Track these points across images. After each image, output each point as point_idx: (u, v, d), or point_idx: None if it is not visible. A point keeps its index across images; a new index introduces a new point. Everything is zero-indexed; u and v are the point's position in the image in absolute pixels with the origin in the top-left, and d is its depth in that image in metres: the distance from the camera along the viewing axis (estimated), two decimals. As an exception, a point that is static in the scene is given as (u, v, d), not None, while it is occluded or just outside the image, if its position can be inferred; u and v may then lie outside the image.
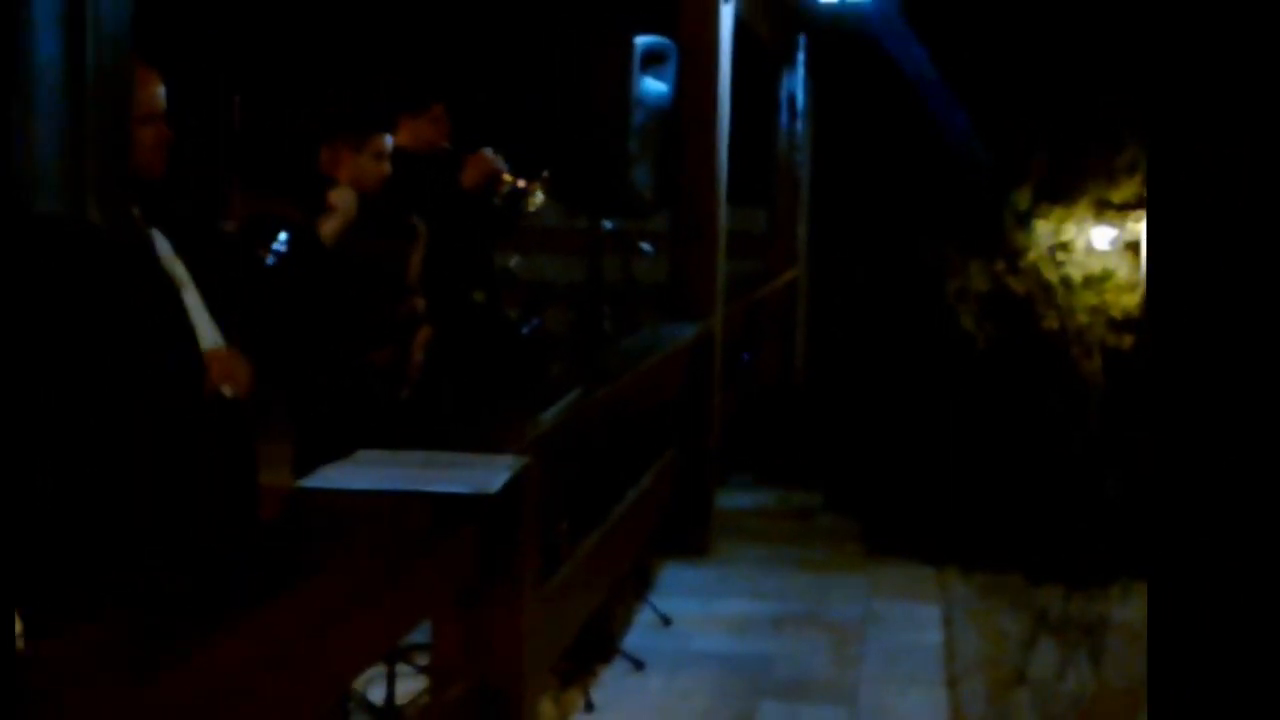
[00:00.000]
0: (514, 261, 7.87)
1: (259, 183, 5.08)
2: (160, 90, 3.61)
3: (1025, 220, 10.38)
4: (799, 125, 12.49)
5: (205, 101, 4.38)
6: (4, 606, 1.55)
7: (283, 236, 4.72)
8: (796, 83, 12.35)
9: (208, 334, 3.73)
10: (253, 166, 5.02)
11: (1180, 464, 2.02)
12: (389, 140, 5.45)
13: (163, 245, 3.68)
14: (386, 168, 5.41)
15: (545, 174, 6.33)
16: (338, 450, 3.70)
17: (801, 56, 12.33)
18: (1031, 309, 10.04)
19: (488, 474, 3.56)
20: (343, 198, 5.20)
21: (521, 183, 6.27)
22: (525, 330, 6.91)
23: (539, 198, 6.29)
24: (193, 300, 3.73)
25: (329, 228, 5.15)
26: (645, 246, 8.10)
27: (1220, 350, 1.98)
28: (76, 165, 1.58)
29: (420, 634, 4.35)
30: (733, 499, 8.84)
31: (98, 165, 1.61)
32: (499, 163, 6.24)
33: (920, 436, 8.84)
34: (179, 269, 3.70)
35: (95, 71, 1.59)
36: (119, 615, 2.45)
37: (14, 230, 1.52)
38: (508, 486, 3.56)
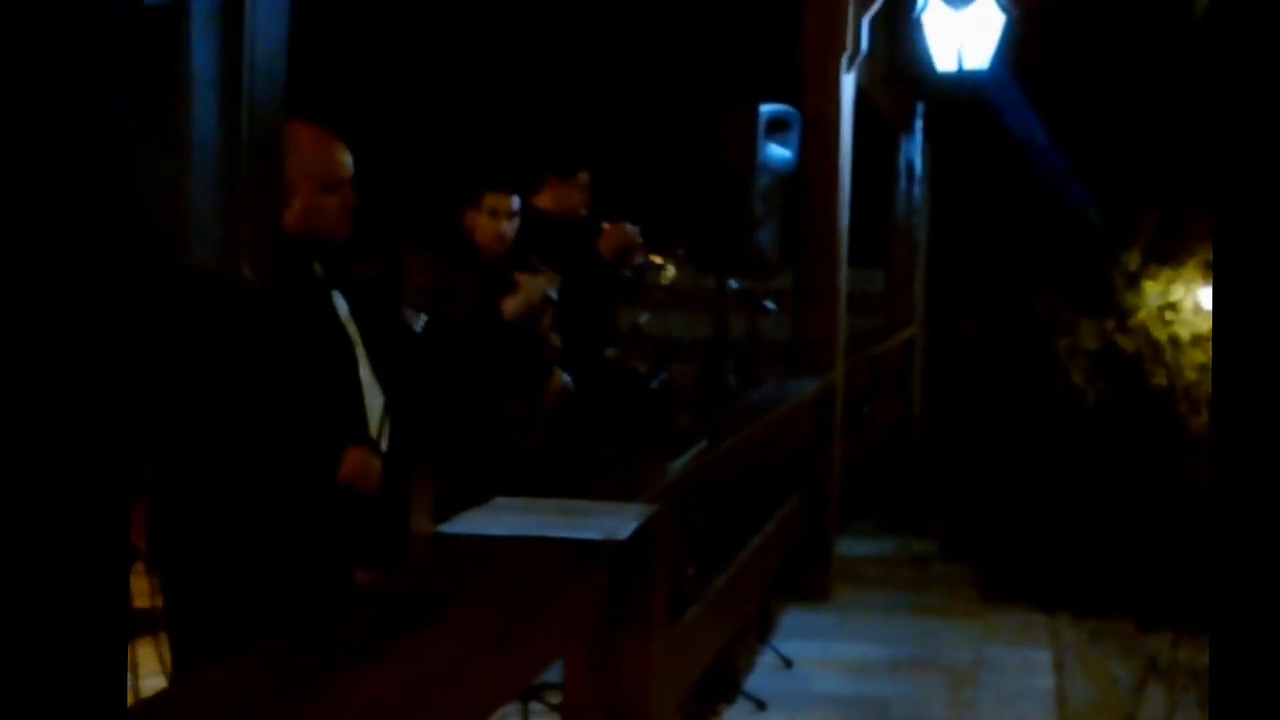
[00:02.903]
0: (643, 318, 7.86)
1: (434, 252, 5.10)
2: (347, 158, 3.61)
3: (1134, 281, 10.20)
4: (916, 189, 12.43)
5: (386, 171, 4.42)
6: (118, 649, 1.53)
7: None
8: (914, 149, 12.30)
9: (372, 393, 3.73)
10: (424, 235, 5.04)
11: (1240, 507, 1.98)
12: (515, 201, 5.46)
13: (341, 305, 3.69)
14: (504, 226, 5.42)
15: (680, 251, 6.33)
16: (475, 497, 3.69)
17: (919, 124, 12.28)
18: (1140, 366, 9.86)
19: (619, 521, 3.54)
20: (532, 281, 5.22)
21: (657, 259, 6.27)
22: (654, 384, 6.89)
23: (671, 272, 6.29)
24: (361, 360, 3.73)
25: (511, 306, 5.17)
26: (769, 304, 8.07)
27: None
28: (232, 223, 1.57)
29: (553, 673, 4.33)
30: (852, 546, 8.77)
31: (251, 225, 1.60)
32: (637, 236, 6.24)
33: (1032, 488, 8.70)
34: (353, 329, 3.71)
35: (250, 134, 1.58)
36: (264, 649, 2.45)
37: (172, 280, 1.52)
38: (637, 533, 3.53)
